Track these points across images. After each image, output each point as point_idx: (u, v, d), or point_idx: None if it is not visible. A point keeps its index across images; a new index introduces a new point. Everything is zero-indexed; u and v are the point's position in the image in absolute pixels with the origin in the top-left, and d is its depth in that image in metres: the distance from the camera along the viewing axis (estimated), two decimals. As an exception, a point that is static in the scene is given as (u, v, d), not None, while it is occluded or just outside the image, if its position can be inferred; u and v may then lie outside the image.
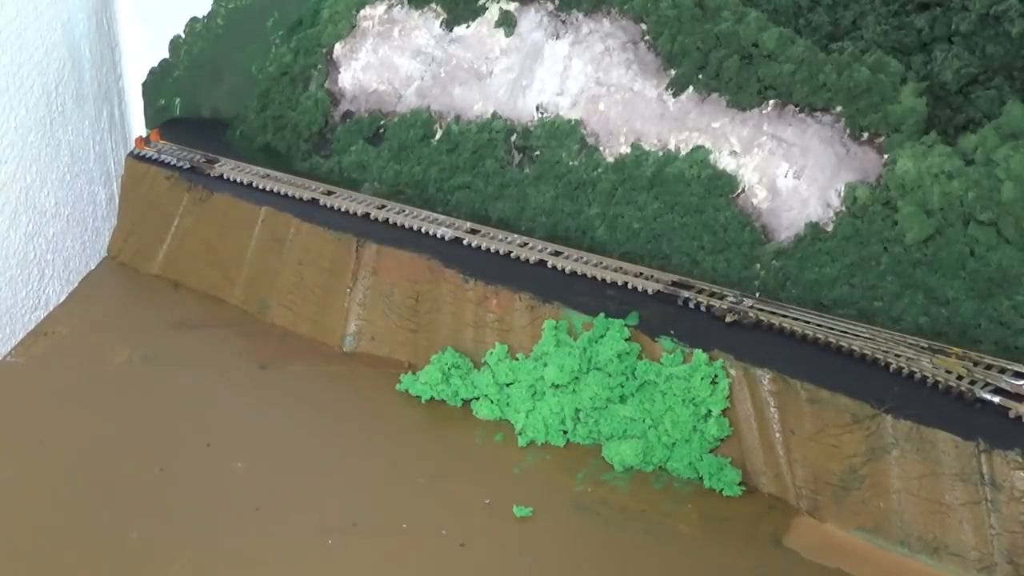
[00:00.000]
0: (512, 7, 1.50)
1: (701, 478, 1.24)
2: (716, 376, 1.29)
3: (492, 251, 1.41)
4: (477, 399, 1.34)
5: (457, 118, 1.51)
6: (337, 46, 1.61)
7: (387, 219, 1.46)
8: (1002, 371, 1.16)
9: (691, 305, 1.37)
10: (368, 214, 1.47)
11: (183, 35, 1.69)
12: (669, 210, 1.39)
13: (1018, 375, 1.15)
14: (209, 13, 1.68)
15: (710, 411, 1.27)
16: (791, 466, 1.19)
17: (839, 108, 1.39)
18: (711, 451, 1.27)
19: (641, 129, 1.43)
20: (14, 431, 1.29)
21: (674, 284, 1.35)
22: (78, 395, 1.35)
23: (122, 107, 1.73)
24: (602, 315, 1.30)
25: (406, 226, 1.45)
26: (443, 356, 1.36)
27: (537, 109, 1.47)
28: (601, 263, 1.37)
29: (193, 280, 1.56)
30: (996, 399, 1.12)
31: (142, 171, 1.62)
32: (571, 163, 1.43)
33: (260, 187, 1.54)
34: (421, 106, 1.54)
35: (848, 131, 1.43)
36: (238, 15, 1.68)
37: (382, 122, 1.57)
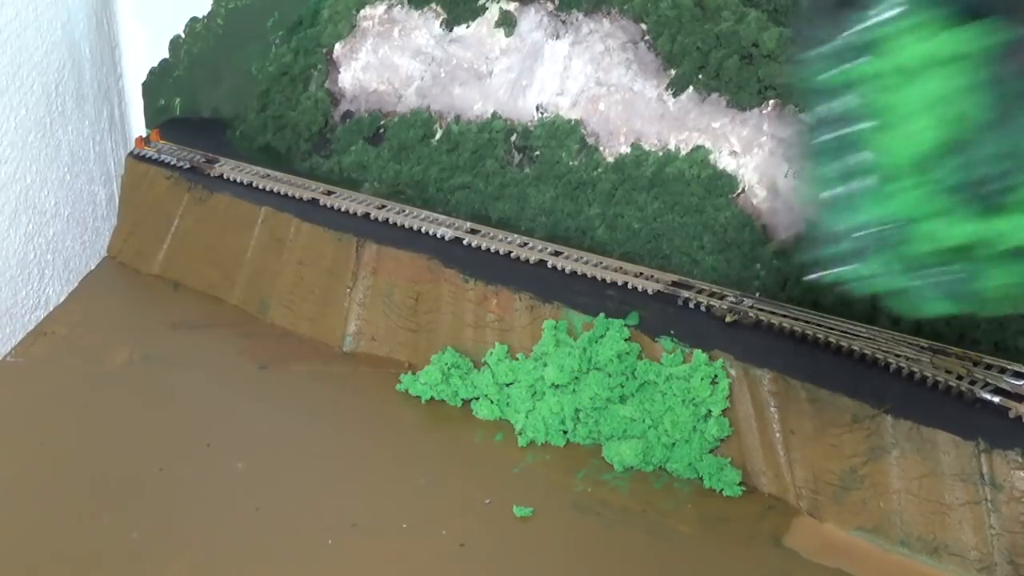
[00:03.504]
0: (512, 7, 1.50)
1: (701, 478, 1.24)
2: (716, 376, 1.29)
3: (492, 251, 1.40)
4: (477, 399, 1.34)
5: (457, 118, 1.51)
6: (337, 46, 1.61)
7: (387, 219, 1.46)
8: (1002, 371, 1.16)
9: (691, 305, 1.37)
10: (368, 214, 1.47)
11: (183, 35, 1.69)
12: (669, 210, 1.39)
13: (1018, 375, 1.15)
14: (209, 13, 1.68)
15: (710, 411, 1.26)
16: (791, 466, 1.19)
17: (839, 108, 1.39)
18: (711, 451, 1.27)
19: (641, 129, 1.42)
20: (14, 431, 1.29)
21: (674, 284, 1.34)
22: (78, 395, 1.35)
23: (122, 107, 1.73)
24: (602, 315, 1.30)
25: (406, 226, 1.44)
26: (443, 356, 1.36)
27: (537, 109, 1.47)
28: (601, 263, 1.37)
29: (193, 280, 1.56)
30: (996, 399, 1.12)
31: (142, 171, 1.62)
32: (571, 163, 1.43)
33: (260, 187, 1.53)
34: (421, 106, 1.54)
35: (848, 131, 1.43)
36: (238, 15, 1.67)
37: (382, 122, 1.57)
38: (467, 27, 1.47)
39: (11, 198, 1.38)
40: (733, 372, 1.22)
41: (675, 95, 1.34)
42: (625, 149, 1.37)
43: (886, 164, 0.59)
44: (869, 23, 0.59)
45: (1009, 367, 1.15)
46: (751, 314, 1.33)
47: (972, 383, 1.13)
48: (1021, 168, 0.55)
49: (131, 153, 1.62)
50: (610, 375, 1.24)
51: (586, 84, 1.40)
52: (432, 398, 1.31)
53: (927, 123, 0.58)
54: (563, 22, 1.40)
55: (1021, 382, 1.13)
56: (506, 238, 1.40)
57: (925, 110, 0.58)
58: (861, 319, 1.27)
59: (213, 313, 1.49)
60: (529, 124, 1.43)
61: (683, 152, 1.32)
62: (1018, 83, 0.55)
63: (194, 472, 1.21)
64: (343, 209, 1.48)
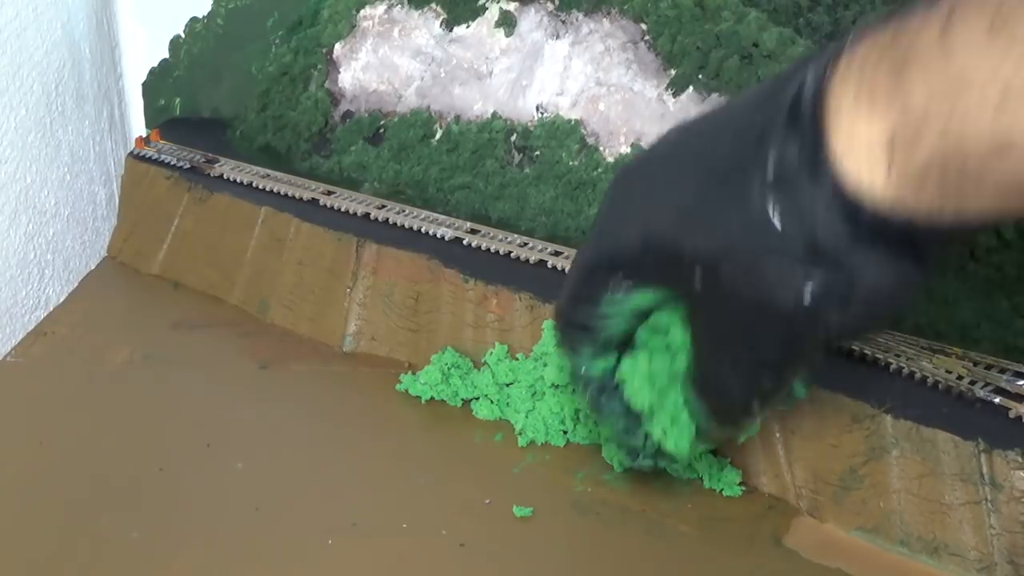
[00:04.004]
0: (512, 7, 1.50)
1: (701, 478, 1.24)
2: (716, 376, 1.29)
3: (492, 251, 1.40)
4: (477, 399, 1.34)
5: (457, 118, 1.51)
6: (337, 46, 1.61)
7: (387, 219, 1.45)
8: (1002, 371, 1.15)
9: (691, 305, 1.37)
10: (368, 214, 1.46)
11: (183, 35, 1.69)
12: (669, 210, 1.39)
13: (1018, 375, 1.15)
14: (209, 13, 1.68)
15: (710, 411, 1.26)
16: (791, 466, 1.19)
17: (839, 108, 1.39)
18: (711, 451, 1.26)
19: (641, 129, 1.42)
20: (14, 431, 1.29)
21: (674, 284, 1.35)
22: (78, 395, 1.35)
23: (122, 107, 1.72)
24: (602, 315, 1.30)
25: (406, 226, 1.44)
26: (443, 356, 1.35)
27: (537, 109, 1.47)
28: (601, 263, 1.37)
29: (193, 280, 1.55)
30: (996, 399, 1.12)
31: (142, 171, 1.61)
32: (571, 163, 1.43)
33: (260, 187, 1.53)
34: (421, 106, 1.53)
35: (848, 131, 1.43)
36: (238, 15, 1.67)
37: (382, 122, 1.57)
38: (467, 27, 1.48)
39: (11, 198, 1.38)
40: (733, 372, 1.21)
41: (675, 95, 1.34)
42: (625, 149, 1.37)
43: (635, 407, 0.90)
44: (597, 315, 0.86)
45: (1009, 367, 1.15)
46: (751, 314, 1.32)
47: (972, 383, 1.13)
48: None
49: (131, 153, 1.62)
50: (610, 375, 1.23)
51: (586, 84, 1.40)
52: (432, 398, 1.31)
53: (645, 389, 0.88)
54: (563, 22, 1.40)
55: (1021, 382, 1.13)
56: (506, 238, 1.40)
57: (643, 381, 0.88)
58: (861, 319, 1.25)
59: (213, 313, 1.49)
60: (529, 124, 1.43)
61: (683, 152, 1.32)
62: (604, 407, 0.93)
63: (194, 472, 1.21)
64: (343, 209, 1.48)
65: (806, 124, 0.72)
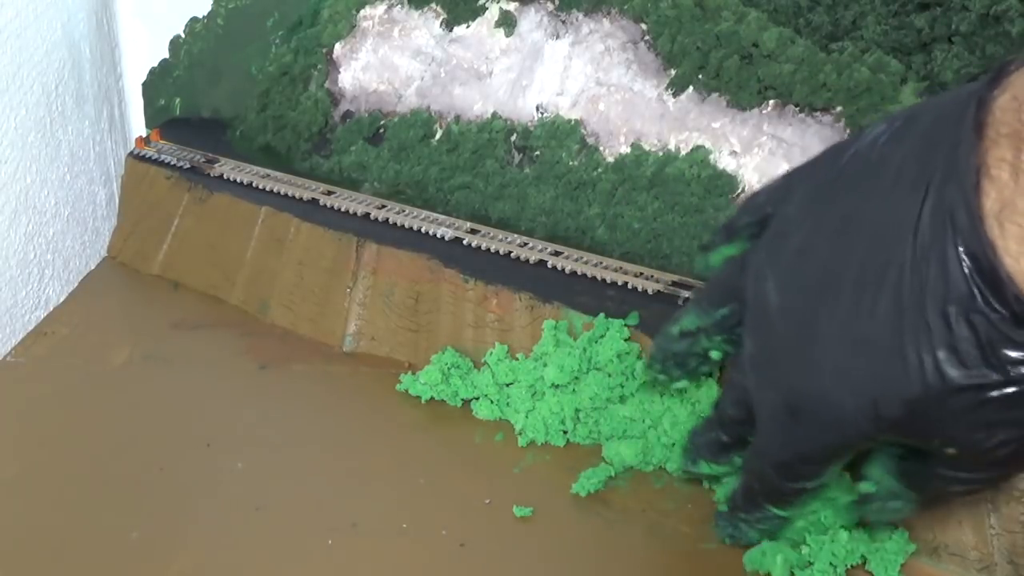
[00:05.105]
0: (512, 7, 1.50)
1: (701, 480, 1.24)
2: (715, 375, 1.29)
3: (492, 251, 1.40)
4: (477, 399, 1.34)
5: (457, 118, 1.51)
6: (337, 46, 1.61)
7: (387, 219, 1.45)
8: (1002, 371, 1.16)
9: (691, 305, 1.37)
10: (368, 214, 1.46)
11: (183, 35, 1.69)
12: (669, 210, 1.39)
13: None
14: (209, 13, 1.68)
15: (710, 411, 1.26)
16: (791, 466, 1.19)
17: (839, 108, 1.39)
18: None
19: (641, 129, 1.42)
20: (14, 431, 1.29)
21: (674, 284, 1.34)
22: (78, 395, 1.35)
23: (122, 107, 1.72)
24: (602, 315, 1.30)
25: (406, 226, 1.44)
26: (443, 356, 1.35)
27: (537, 109, 1.47)
28: (601, 263, 1.37)
29: (193, 280, 1.55)
30: (996, 399, 1.12)
31: (142, 171, 1.61)
32: (571, 163, 1.43)
33: (260, 187, 1.53)
34: (421, 106, 1.53)
35: (848, 131, 1.43)
36: (238, 15, 1.67)
37: (382, 122, 1.57)
38: (467, 27, 1.48)
39: (11, 198, 1.38)
40: (733, 372, 1.20)
41: (675, 95, 1.34)
42: (625, 149, 1.37)
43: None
44: None
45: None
46: (751, 314, 1.32)
47: (972, 383, 1.12)
48: None
49: (131, 153, 1.62)
50: (610, 375, 1.24)
51: (586, 84, 1.40)
52: (432, 398, 1.31)
53: None
54: (563, 22, 1.40)
55: (1021, 382, 1.12)
56: (506, 238, 1.40)
57: None
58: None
59: (213, 313, 1.49)
60: (529, 124, 1.43)
61: (683, 152, 1.33)
62: None
63: (194, 472, 1.21)
64: (343, 209, 1.48)
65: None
